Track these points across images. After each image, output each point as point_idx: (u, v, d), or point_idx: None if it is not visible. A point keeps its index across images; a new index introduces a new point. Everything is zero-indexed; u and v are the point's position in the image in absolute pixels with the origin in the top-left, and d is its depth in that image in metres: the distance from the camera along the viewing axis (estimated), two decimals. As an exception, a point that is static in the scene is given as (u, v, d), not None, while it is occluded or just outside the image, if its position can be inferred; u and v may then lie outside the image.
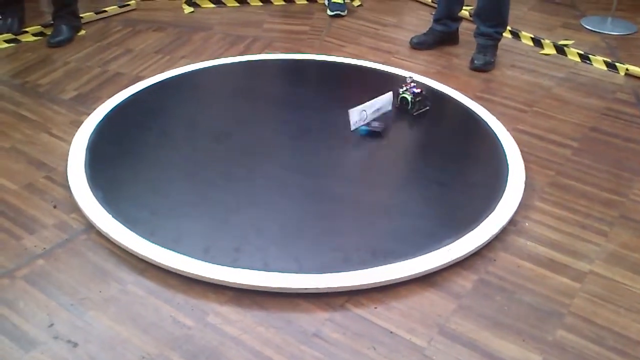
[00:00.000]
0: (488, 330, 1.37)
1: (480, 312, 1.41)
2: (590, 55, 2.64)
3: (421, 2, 3.28)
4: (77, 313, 1.37)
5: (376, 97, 2.09)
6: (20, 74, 2.43)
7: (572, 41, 2.82)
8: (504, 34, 2.65)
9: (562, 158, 2.00)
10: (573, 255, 1.59)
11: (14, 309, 1.38)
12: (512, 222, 1.68)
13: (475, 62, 2.57)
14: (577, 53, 2.67)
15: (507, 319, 1.40)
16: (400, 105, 2.14)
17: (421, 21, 3.03)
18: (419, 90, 2.12)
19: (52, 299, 1.41)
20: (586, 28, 3.00)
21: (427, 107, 2.16)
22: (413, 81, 2.15)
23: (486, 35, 2.60)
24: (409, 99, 2.11)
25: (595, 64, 2.62)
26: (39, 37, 2.73)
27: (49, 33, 2.71)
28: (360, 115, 2.02)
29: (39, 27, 2.76)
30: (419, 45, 2.76)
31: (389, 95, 2.12)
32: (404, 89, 2.13)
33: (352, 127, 2.01)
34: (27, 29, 2.73)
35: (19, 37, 2.69)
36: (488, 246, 1.60)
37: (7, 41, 2.66)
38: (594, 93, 2.41)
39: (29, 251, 1.55)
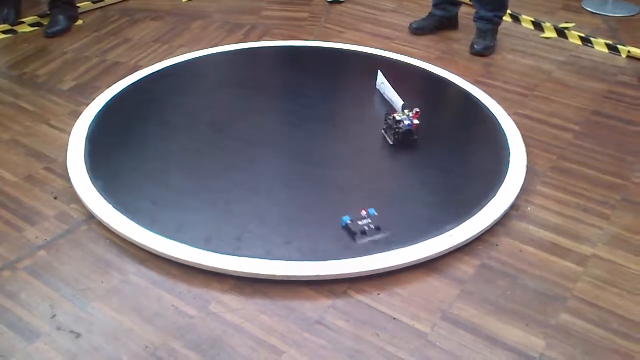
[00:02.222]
0: (491, 315, 1.36)
1: (483, 297, 1.41)
2: (591, 38, 2.62)
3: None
4: (79, 304, 1.37)
5: (380, 84, 2.09)
6: (17, 65, 2.41)
7: (573, 24, 2.80)
8: (503, 18, 2.63)
9: (564, 142, 1.99)
10: (575, 238, 1.59)
11: (17, 301, 1.38)
12: (514, 206, 1.68)
13: (476, 46, 2.55)
14: (578, 36, 2.65)
15: (510, 303, 1.39)
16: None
17: (420, 6, 3.00)
18: (401, 120, 1.85)
19: (54, 290, 1.41)
20: (587, 10, 2.97)
21: (389, 141, 1.89)
22: (413, 118, 1.86)
23: (485, 19, 2.58)
24: (390, 120, 1.88)
25: (596, 47, 2.60)
26: (35, 28, 2.71)
27: (46, 23, 2.69)
28: (381, 83, 2.00)
29: (36, 17, 2.74)
30: (418, 30, 2.74)
31: (399, 102, 1.99)
32: (407, 113, 1.87)
33: (376, 86, 1.99)
34: (23, 20, 2.71)
35: (15, 28, 2.67)
36: (490, 231, 1.59)
37: (3, 32, 2.64)
38: (596, 76, 2.39)
39: (30, 242, 1.55)
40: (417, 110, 1.88)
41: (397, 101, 2.01)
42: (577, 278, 1.47)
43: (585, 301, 1.40)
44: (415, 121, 1.86)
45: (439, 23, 2.75)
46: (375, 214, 1.57)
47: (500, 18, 2.60)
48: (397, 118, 1.86)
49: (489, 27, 2.59)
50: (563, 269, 1.49)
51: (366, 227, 1.53)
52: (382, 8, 3.00)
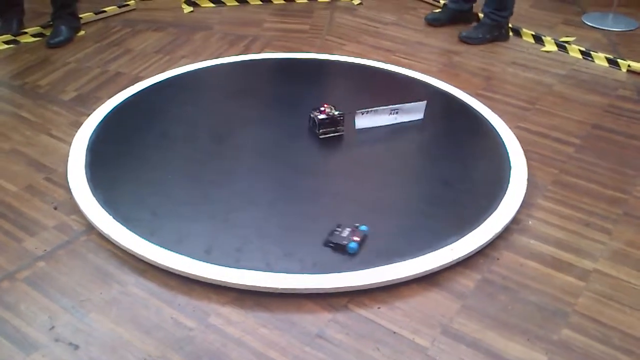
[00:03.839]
0: (492, 330, 1.36)
1: (484, 312, 1.40)
2: (591, 52, 2.63)
3: (422, 0, 3.26)
4: (78, 315, 1.36)
5: (378, 96, 2.08)
6: (19, 75, 2.42)
7: (574, 38, 2.81)
8: (506, 19, 2.76)
9: (565, 156, 1.99)
10: (577, 253, 1.58)
11: (15, 312, 1.37)
12: (515, 220, 1.67)
13: (462, 32, 2.75)
14: (579, 50, 2.66)
15: (511, 318, 1.39)
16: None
17: (421, 19, 3.01)
18: (324, 112, 1.96)
19: (53, 301, 1.40)
20: (587, 24, 2.98)
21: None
22: (322, 113, 1.97)
23: (485, 14, 2.75)
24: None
25: (597, 61, 2.61)
26: (38, 38, 2.72)
27: (48, 34, 2.70)
28: (367, 119, 2.01)
29: (38, 28, 2.75)
30: (433, 21, 2.90)
31: (421, 105, 2.02)
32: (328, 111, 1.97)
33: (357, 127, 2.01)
34: (26, 30, 2.72)
35: (18, 38, 2.68)
36: (491, 245, 1.59)
37: (6, 42, 2.65)
38: (596, 90, 2.39)
39: (30, 253, 1.54)
40: (328, 110, 1.96)
41: (410, 107, 2.03)
42: (579, 293, 1.46)
43: (587, 317, 1.39)
44: (321, 116, 1.95)
45: (453, 16, 2.90)
46: (365, 230, 1.55)
47: (501, 17, 2.73)
48: (324, 109, 1.96)
49: (486, 21, 2.74)
50: (565, 283, 1.49)
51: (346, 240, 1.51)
52: (383, 21, 3.01)
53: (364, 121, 2.01)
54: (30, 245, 1.56)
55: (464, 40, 2.74)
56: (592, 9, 3.14)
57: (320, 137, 1.96)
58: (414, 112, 2.05)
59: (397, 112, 2.02)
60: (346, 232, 1.53)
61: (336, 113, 1.96)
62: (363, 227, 1.56)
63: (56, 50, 2.62)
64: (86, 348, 1.28)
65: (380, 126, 2.03)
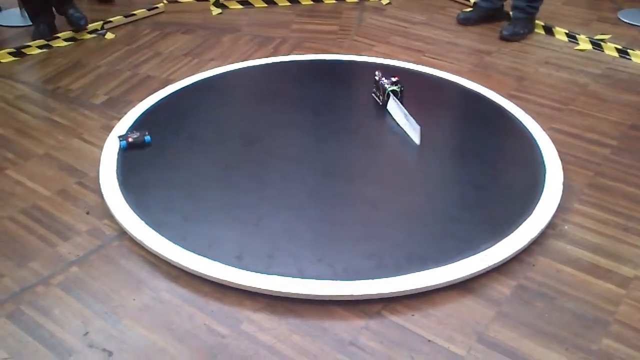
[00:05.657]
0: (529, 338, 1.32)
1: (520, 320, 1.37)
2: (629, 50, 2.56)
3: (451, -1, 3.22)
4: (111, 321, 1.37)
5: (408, 97, 2.06)
6: (52, 79, 2.45)
7: (609, 35, 2.74)
8: (539, 8, 2.75)
9: (601, 158, 1.94)
10: (616, 259, 1.54)
11: (50, 317, 1.38)
12: (550, 225, 1.63)
13: (504, 32, 2.71)
14: (615, 48, 2.59)
15: (548, 326, 1.35)
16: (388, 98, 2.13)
17: (451, 18, 2.98)
18: (377, 78, 2.17)
19: (87, 306, 1.41)
20: (624, 22, 2.91)
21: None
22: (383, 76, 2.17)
23: (519, 8, 2.72)
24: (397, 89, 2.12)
25: (634, 59, 2.54)
26: (70, 42, 2.75)
27: (79, 37, 2.73)
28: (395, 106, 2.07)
29: (70, 32, 2.78)
30: (465, 21, 2.89)
31: (417, 129, 1.95)
32: (387, 81, 2.14)
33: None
34: (58, 35, 2.75)
35: (50, 43, 2.71)
36: (526, 251, 1.55)
37: (39, 47, 2.68)
38: (634, 89, 2.33)
39: (63, 258, 1.55)
40: (387, 80, 2.14)
41: (412, 125, 1.97)
42: (620, 301, 1.42)
43: (628, 326, 1.35)
44: (376, 77, 2.17)
45: (485, 14, 2.88)
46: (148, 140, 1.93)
47: (535, 9, 2.73)
48: (389, 79, 2.13)
49: (521, 15, 2.72)
50: (604, 291, 1.45)
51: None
52: (412, 21, 2.98)
53: (392, 106, 2.10)
54: (64, 250, 1.58)
55: (509, 39, 2.70)
56: (629, 5, 3.06)
57: (372, 93, 2.21)
58: (413, 129, 1.96)
59: (408, 120, 1.99)
60: (135, 135, 1.94)
61: (385, 86, 2.12)
62: (147, 137, 1.94)
63: (87, 54, 2.65)
64: (120, 355, 1.29)
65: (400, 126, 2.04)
